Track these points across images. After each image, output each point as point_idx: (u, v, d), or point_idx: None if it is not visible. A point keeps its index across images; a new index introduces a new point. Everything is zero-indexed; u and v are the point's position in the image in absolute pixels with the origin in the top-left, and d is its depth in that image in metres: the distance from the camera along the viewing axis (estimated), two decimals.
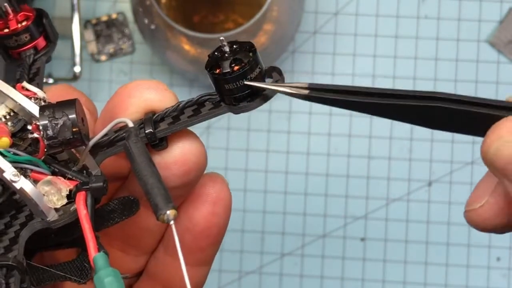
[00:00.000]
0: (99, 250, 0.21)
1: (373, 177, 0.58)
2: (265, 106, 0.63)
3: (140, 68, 0.59)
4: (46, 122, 0.22)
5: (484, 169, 0.62)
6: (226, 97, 0.24)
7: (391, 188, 0.58)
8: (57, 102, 0.23)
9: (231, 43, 0.24)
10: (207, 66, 0.23)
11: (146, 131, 0.24)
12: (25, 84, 0.25)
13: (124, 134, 0.24)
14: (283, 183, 0.58)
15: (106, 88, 0.59)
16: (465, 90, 0.58)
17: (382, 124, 0.58)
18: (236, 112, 0.24)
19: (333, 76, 0.58)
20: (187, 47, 0.52)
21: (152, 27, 0.51)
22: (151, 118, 0.24)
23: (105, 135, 0.24)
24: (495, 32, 0.58)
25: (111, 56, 0.59)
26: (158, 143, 0.24)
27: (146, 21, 0.51)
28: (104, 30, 0.59)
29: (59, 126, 0.22)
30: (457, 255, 0.58)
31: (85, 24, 0.59)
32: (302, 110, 0.58)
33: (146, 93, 0.24)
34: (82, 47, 0.57)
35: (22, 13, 0.26)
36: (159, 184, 0.21)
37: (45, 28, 0.27)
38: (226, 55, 0.23)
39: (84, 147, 0.23)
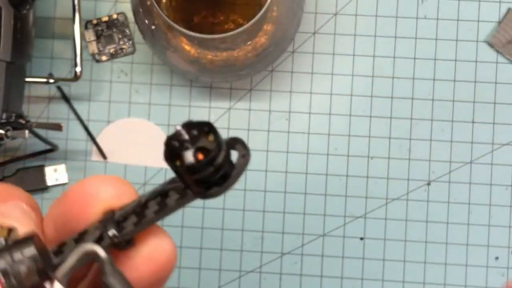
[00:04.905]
0: None
1: (373, 177, 0.58)
2: (265, 106, 0.63)
3: (140, 68, 0.59)
4: (6, 267, 0.20)
5: (483, 168, 0.62)
6: (194, 187, 0.21)
7: (391, 187, 0.58)
8: (12, 243, 0.20)
9: (187, 127, 0.21)
10: (166, 158, 0.21)
11: (110, 235, 0.21)
12: None
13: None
14: (283, 182, 0.58)
15: (107, 88, 0.59)
16: (464, 90, 0.58)
17: (381, 124, 0.58)
18: (207, 197, 0.22)
19: (333, 76, 0.59)
20: (187, 47, 0.52)
21: (153, 27, 0.51)
22: (113, 218, 0.21)
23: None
24: (494, 32, 0.58)
25: (112, 56, 0.59)
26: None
27: (146, 21, 0.52)
28: (105, 30, 0.59)
29: (22, 273, 0.20)
30: (456, 254, 0.58)
31: (85, 24, 0.59)
32: (302, 110, 0.59)
33: (104, 193, 0.22)
34: (83, 48, 0.57)
35: None
36: None
37: None
38: (186, 144, 0.21)
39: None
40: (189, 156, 0.20)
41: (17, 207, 0.22)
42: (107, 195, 0.22)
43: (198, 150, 0.20)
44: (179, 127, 0.21)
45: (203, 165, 0.20)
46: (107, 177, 0.22)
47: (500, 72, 0.58)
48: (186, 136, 0.21)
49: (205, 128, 0.21)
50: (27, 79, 0.55)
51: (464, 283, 0.58)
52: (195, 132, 0.21)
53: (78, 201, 0.22)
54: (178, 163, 0.21)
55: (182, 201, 0.21)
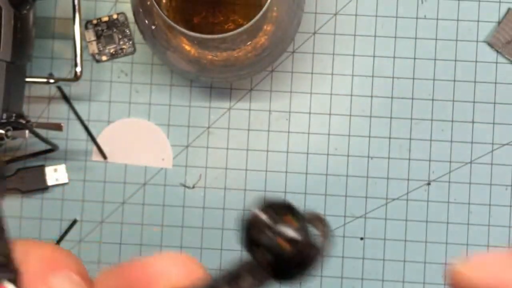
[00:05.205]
0: None
1: (373, 177, 0.58)
2: (265, 106, 0.63)
3: (140, 68, 0.59)
4: None
5: (483, 168, 0.62)
6: (272, 272, 0.19)
7: (390, 187, 0.58)
8: None
9: (266, 210, 0.19)
10: (246, 246, 0.19)
11: None
12: None
13: None
14: (283, 182, 0.58)
15: (107, 88, 0.59)
16: (464, 90, 0.58)
17: (381, 124, 0.58)
18: (287, 283, 0.20)
19: (333, 77, 0.59)
20: (187, 47, 0.52)
21: (153, 27, 0.51)
22: None
23: None
24: (493, 32, 0.58)
25: (112, 56, 0.59)
26: None
27: (146, 21, 0.52)
28: (105, 30, 0.59)
29: None
30: (455, 254, 0.58)
31: (86, 24, 0.59)
32: (302, 110, 0.59)
33: (171, 273, 0.20)
34: (83, 48, 0.57)
35: None
36: None
37: None
38: (267, 231, 0.19)
39: None
40: (273, 246, 0.19)
41: (67, 280, 0.21)
42: (175, 275, 0.20)
43: (281, 237, 0.19)
44: (258, 212, 0.19)
45: (288, 256, 0.19)
46: (175, 255, 0.21)
47: (500, 72, 0.58)
48: (267, 221, 0.19)
49: (287, 211, 0.19)
50: (27, 79, 0.55)
51: None
52: (275, 216, 0.19)
53: (142, 280, 0.20)
54: (258, 252, 0.19)
55: (259, 285, 0.20)
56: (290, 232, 0.19)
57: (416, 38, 0.59)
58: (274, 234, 0.19)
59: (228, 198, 0.59)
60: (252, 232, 0.19)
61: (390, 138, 0.58)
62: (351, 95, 0.59)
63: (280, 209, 0.19)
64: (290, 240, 0.19)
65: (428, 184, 0.58)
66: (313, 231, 0.20)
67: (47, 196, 0.59)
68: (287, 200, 0.19)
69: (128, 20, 0.59)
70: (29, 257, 0.21)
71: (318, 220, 0.20)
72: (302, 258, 0.19)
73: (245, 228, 0.19)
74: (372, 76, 0.59)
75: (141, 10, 0.51)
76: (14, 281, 0.20)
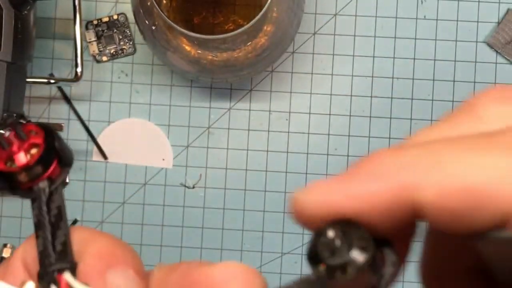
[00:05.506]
0: None
1: None
2: (265, 106, 0.63)
3: (141, 68, 0.59)
4: None
5: None
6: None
7: None
8: None
9: (337, 226, 0.18)
10: (310, 259, 0.19)
11: None
12: (68, 279, 0.20)
13: None
14: (282, 182, 0.59)
15: (107, 88, 0.59)
16: (463, 90, 0.58)
17: (381, 124, 0.59)
18: None
19: (333, 77, 0.59)
20: (187, 48, 0.52)
21: (153, 28, 0.52)
22: None
23: None
24: (493, 33, 0.58)
25: (112, 56, 0.59)
26: None
27: (147, 22, 0.52)
28: (106, 30, 0.59)
29: None
30: None
31: (86, 25, 0.59)
32: (302, 110, 0.59)
33: (233, 285, 0.19)
34: (84, 48, 0.57)
35: (30, 141, 0.22)
36: None
37: (58, 153, 0.23)
38: (336, 250, 0.18)
39: None
40: (337, 267, 0.18)
41: (123, 276, 0.21)
42: (236, 287, 0.19)
43: (349, 263, 0.18)
44: (331, 233, 0.18)
45: (351, 279, 0.18)
46: (239, 266, 0.20)
47: (500, 72, 0.58)
48: (336, 240, 0.18)
49: (359, 232, 0.18)
50: (28, 80, 0.55)
51: None
52: (346, 235, 0.18)
53: (203, 285, 0.19)
54: (322, 268, 0.18)
55: None
56: (357, 258, 0.18)
57: (415, 39, 0.59)
58: (342, 259, 0.18)
59: (228, 198, 0.59)
60: (319, 251, 0.19)
61: (390, 138, 0.59)
62: (351, 95, 0.59)
63: (352, 229, 0.19)
64: (356, 266, 0.18)
65: None
66: (382, 258, 0.19)
67: None
68: (362, 222, 0.19)
69: (128, 21, 0.59)
70: (87, 248, 0.21)
71: (388, 248, 0.19)
72: (365, 284, 0.18)
73: (313, 244, 0.19)
74: (372, 76, 0.59)
75: (141, 10, 0.51)
76: (70, 271, 0.20)
